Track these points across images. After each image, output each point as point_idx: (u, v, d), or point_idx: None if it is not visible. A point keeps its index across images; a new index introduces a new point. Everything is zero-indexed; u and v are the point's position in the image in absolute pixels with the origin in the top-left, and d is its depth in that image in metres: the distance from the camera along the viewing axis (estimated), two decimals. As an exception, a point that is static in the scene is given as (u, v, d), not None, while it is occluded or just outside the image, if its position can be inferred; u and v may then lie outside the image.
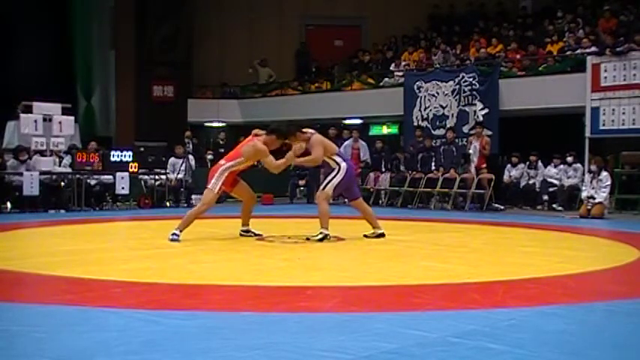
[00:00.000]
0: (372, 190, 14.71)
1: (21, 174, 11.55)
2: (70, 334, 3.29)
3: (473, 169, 13.26)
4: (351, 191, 7.87)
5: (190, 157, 14.36)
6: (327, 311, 3.92)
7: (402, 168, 14.61)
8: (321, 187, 7.55)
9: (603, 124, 12.92)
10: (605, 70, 12.91)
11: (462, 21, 18.90)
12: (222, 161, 7.47)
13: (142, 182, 13.43)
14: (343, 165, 7.48)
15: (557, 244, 7.79)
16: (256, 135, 7.52)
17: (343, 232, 7.74)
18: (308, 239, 7.28)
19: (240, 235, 7.63)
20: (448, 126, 14.67)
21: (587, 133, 13.13)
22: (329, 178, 7.47)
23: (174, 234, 7.06)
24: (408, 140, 15.66)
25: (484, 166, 13.26)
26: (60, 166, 12.38)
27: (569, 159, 13.26)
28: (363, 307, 4.00)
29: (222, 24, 20.27)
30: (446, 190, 13.49)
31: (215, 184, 7.22)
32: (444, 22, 19.36)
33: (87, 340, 3.18)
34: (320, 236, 7.22)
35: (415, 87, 15.67)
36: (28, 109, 12.09)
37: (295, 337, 3.24)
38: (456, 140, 14.19)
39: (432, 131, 15.11)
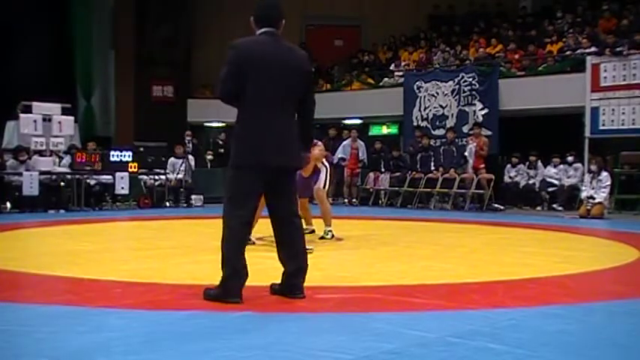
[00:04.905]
0: (371, 190, 14.70)
1: (21, 174, 11.54)
2: (70, 334, 3.29)
3: (470, 170, 13.26)
4: (309, 188, 7.71)
5: (190, 157, 14.35)
6: (327, 311, 3.92)
7: (401, 164, 14.60)
8: (318, 186, 7.61)
9: (603, 124, 12.93)
10: (605, 70, 12.92)
11: (462, 21, 18.90)
12: None
13: (142, 182, 13.43)
14: (326, 163, 7.77)
15: (557, 244, 7.79)
16: None
17: (343, 232, 7.74)
18: (322, 238, 7.40)
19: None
20: (448, 126, 14.68)
21: (587, 133, 13.14)
22: (322, 176, 7.63)
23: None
24: (407, 140, 15.66)
25: (482, 166, 13.25)
26: (59, 166, 12.38)
27: (569, 159, 13.26)
28: (363, 307, 3.99)
29: (222, 24, 20.24)
30: (446, 190, 13.49)
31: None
32: (444, 22, 19.36)
33: (87, 340, 3.18)
34: (329, 235, 7.45)
35: (415, 87, 15.68)
36: (28, 109, 12.08)
37: (295, 337, 3.23)
38: (456, 140, 14.19)
39: (432, 131, 15.12)
